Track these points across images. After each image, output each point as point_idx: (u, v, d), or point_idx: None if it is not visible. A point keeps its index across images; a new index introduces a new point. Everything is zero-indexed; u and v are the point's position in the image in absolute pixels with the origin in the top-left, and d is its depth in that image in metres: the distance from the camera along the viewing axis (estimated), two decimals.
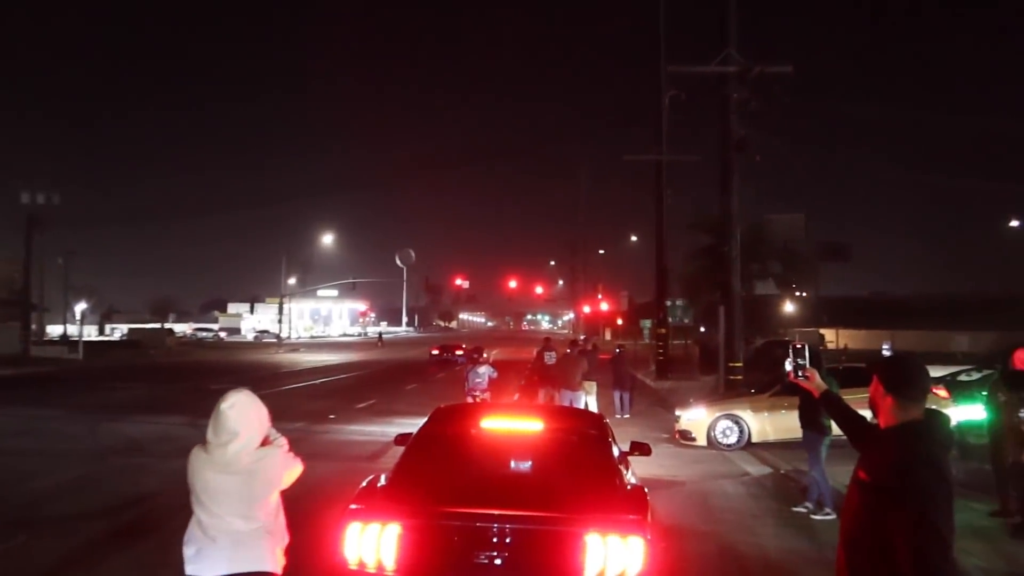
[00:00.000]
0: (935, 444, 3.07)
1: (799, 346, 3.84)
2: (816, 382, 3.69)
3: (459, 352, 38.65)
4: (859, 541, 3.12)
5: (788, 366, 3.78)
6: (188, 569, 3.57)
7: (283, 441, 3.86)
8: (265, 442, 3.74)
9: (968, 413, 10.71)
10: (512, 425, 5.63)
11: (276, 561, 3.69)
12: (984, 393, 8.89)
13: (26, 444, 13.12)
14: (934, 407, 3.57)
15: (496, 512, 4.30)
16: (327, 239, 78.61)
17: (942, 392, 13.07)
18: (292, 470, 3.80)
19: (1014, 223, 50.18)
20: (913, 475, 2.93)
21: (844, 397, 3.71)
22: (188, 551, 3.58)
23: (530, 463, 5.20)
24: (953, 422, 11.15)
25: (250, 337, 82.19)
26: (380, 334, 77.65)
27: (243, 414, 3.60)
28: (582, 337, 19.88)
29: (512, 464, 5.19)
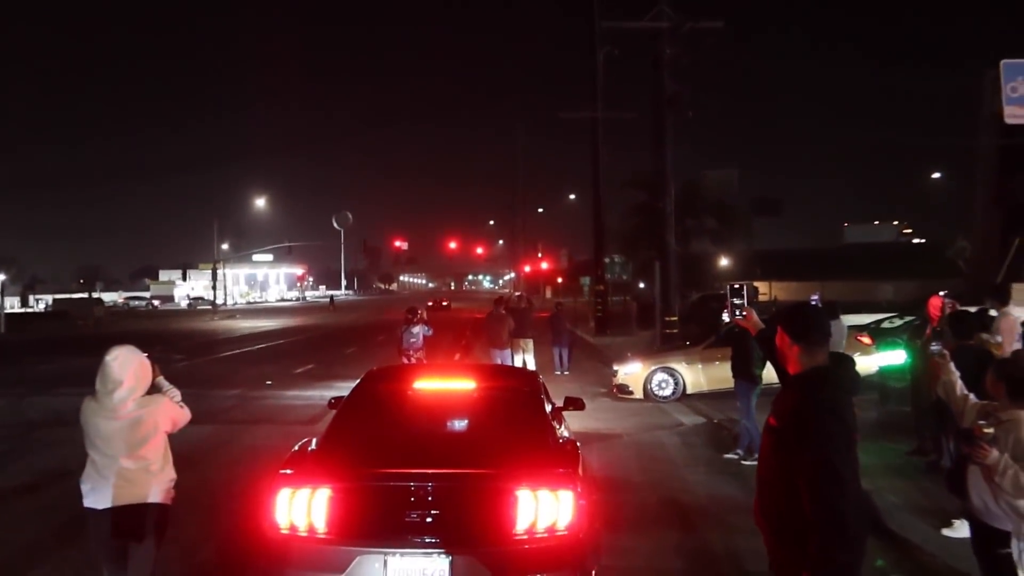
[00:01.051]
0: (838, 389, 3.17)
1: (737, 286, 3.90)
2: (754, 320, 3.76)
3: (444, 303, 55.57)
4: (770, 483, 3.22)
5: (726, 316, 3.85)
6: (85, 502, 4.12)
7: (175, 393, 4.42)
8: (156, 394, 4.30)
9: (890, 358, 11.15)
10: (444, 385, 5.62)
11: (163, 494, 4.22)
12: (904, 339, 9.27)
13: None
14: (842, 352, 3.69)
15: (426, 471, 4.30)
16: (260, 203, 76.55)
17: (866, 339, 13.59)
18: (177, 417, 4.33)
19: (936, 175, 52.06)
20: (813, 420, 3.03)
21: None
22: (85, 487, 4.13)
23: (462, 422, 5.21)
24: (875, 367, 11.67)
25: (184, 305, 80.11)
26: (332, 297, 78.53)
27: (125, 366, 4.09)
28: (517, 294, 19.94)
29: (444, 424, 5.19)
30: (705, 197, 38.96)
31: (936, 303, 7.56)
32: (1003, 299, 8.10)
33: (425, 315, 14.06)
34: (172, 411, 4.30)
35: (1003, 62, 5.63)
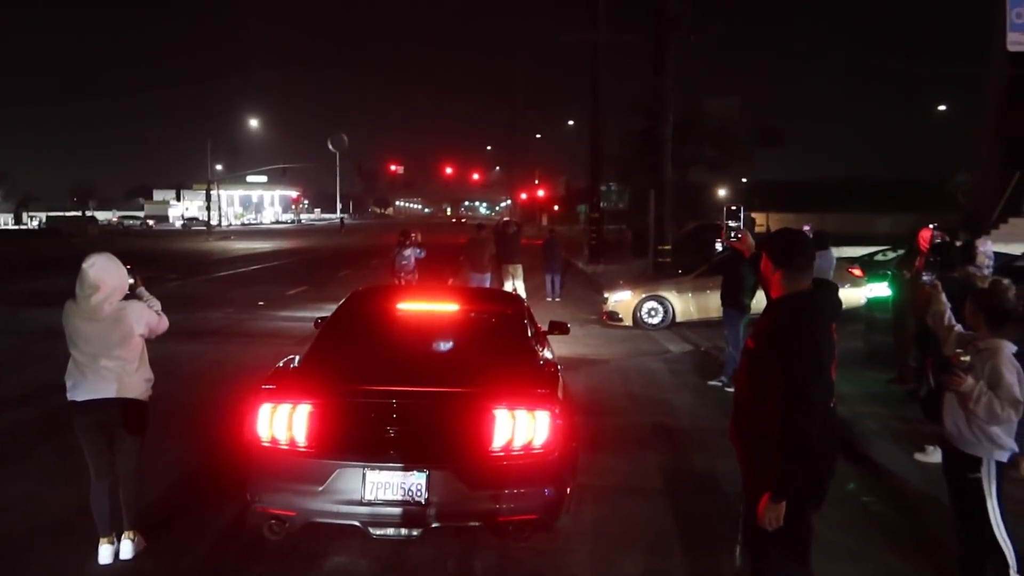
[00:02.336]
0: (817, 313, 3.19)
1: (734, 208, 3.87)
2: (748, 242, 3.74)
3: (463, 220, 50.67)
4: (744, 403, 3.27)
5: (719, 246, 3.86)
6: (68, 396, 4.43)
7: (155, 303, 4.66)
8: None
9: (879, 290, 11.19)
10: (427, 307, 5.64)
11: (138, 391, 4.50)
12: (891, 270, 9.28)
13: None
14: (826, 279, 3.69)
15: (405, 389, 4.36)
16: (254, 123, 75.39)
17: (857, 271, 13.62)
18: (153, 323, 4.55)
19: (942, 107, 51.28)
20: (787, 342, 3.05)
21: None
22: (68, 383, 4.43)
23: (443, 343, 5.25)
24: (863, 299, 11.72)
25: (178, 225, 79.72)
26: (342, 219, 78.21)
27: (102, 272, 4.32)
28: (505, 219, 19.87)
29: (425, 344, 5.22)
30: (705, 125, 38.44)
31: (926, 235, 7.53)
32: (974, 231, 8.11)
33: (419, 238, 14.01)
34: (147, 316, 4.53)
35: None
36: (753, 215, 40.36)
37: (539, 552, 4.63)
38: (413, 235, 13.62)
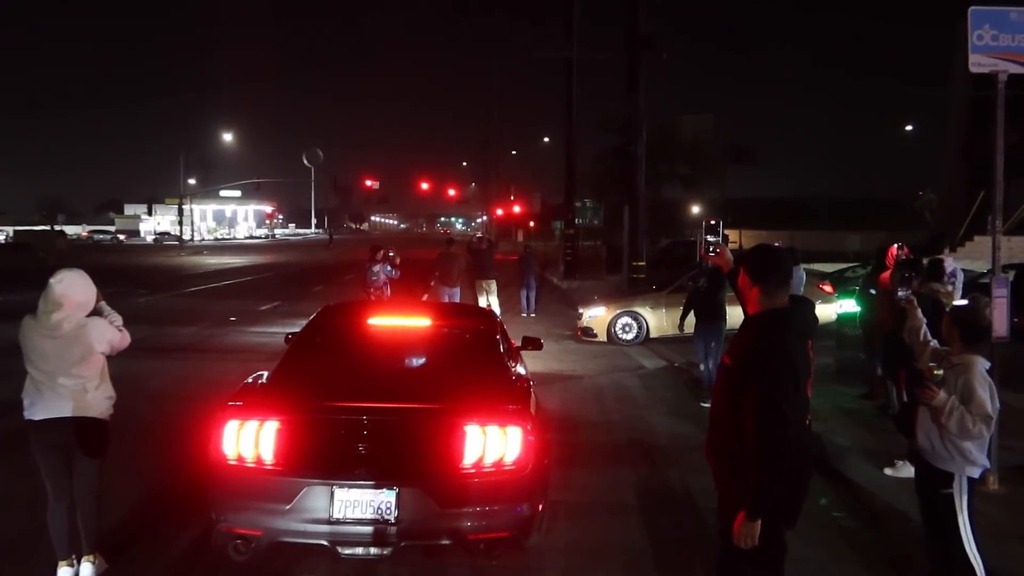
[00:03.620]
0: (792, 330, 3.19)
1: (712, 222, 3.88)
2: (727, 257, 3.75)
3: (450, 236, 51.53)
4: (719, 420, 3.26)
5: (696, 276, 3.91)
6: (25, 414, 4.31)
7: (116, 318, 4.52)
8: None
9: (849, 306, 11.33)
10: (398, 322, 5.59)
11: (98, 409, 4.36)
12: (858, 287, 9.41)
13: None
14: (802, 295, 3.72)
15: (374, 405, 4.30)
16: (228, 137, 74.72)
17: (827, 288, 13.77)
18: (114, 340, 4.42)
19: (909, 127, 52.31)
20: (763, 359, 3.04)
21: None
22: (25, 402, 4.32)
23: (414, 359, 5.20)
24: (834, 315, 11.84)
25: (150, 240, 78.67)
26: (331, 234, 78.35)
27: (68, 288, 4.21)
28: (478, 235, 19.89)
29: (396, 360, 5.17)
30: (679, 143, 38.81)
31: (893, 252, 7.64)
32: (937, 248, 8.27)
33: (397, 259, 13.86)
34: (108, 333, 4.40)
35: (971, 9, 5.59)
36: (727, 231, 40.79)
37: (511, 570, 4.58)
38: (382, 251, 13.56)
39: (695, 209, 45.53)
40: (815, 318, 3.46)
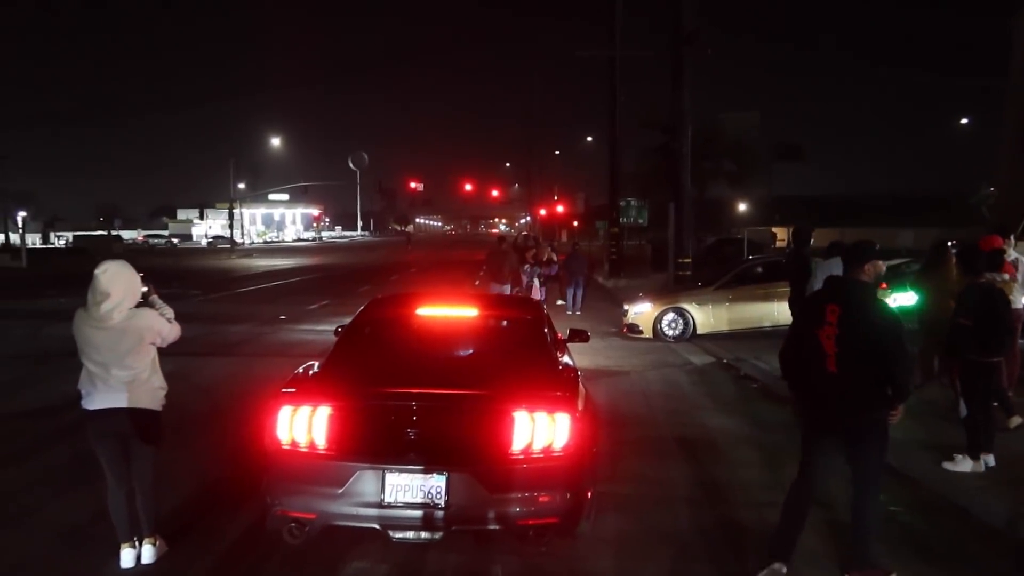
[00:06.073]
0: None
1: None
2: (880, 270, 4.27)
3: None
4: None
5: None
6: (83, 404, 4.43)
7: (167, 311, 4.63)
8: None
9: (902, 300, 11.07)
10: (446, 312, 5.64)
11: (151, 400, 4.48)
12: (912, 280, 9.20)
13: None
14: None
15: (424, 391, 4.34)
16: (276, 141, 76.07)
17: (882, 284, 13.48)
18: (164, 331, 4.52)
19: (964, 120, 50.81)
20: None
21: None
22: (83, 392, 4.44)
23: (462, 347, 5.24)
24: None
25: (204, 243, 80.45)
26: (409, 234, 78.79)
27: (113, 279, 4.30)
28: (524, 233, 19.96)
29: (444, 348, 5.22)
30: (724, 139, 38.32)
31: (992, 241, 7.45)
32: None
33: (540, 251, 12.84)
34: (159, 324, 4.50)
35: None
36: (774, 230, 40.13)
37: (560, 559, 4.57)
38: (532, 251, 12.78)
39: (741, 207, 44.91)
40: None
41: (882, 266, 4.35)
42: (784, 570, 4.25)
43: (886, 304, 4.31)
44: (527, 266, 12.17)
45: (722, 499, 5.83)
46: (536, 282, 11.86)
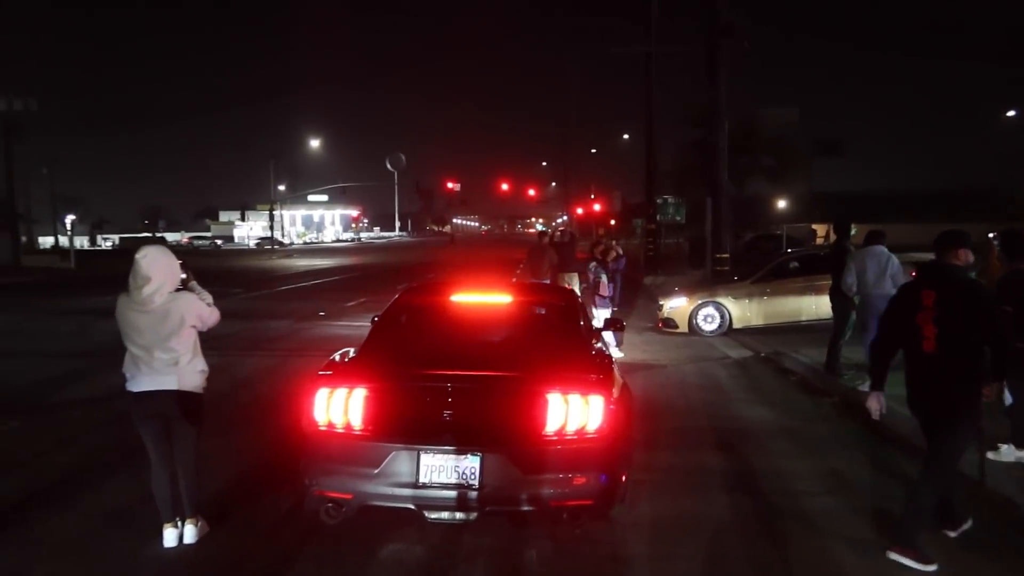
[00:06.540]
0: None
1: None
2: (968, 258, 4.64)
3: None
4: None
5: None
6: (127, 387, 4.56)
7: (207, 296, 4.74)
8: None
9: None
10: (480, 298, 5.68)
11: (193, 383, 4.59)
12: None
13: (18, 344, 13.31)
14: None
15: (459, 373, 4.39)
16: (315, 143, 77.05)
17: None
18: (204, 314, 4.63)
19: (1011, 113, 49.45)
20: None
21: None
22: (127, 375, 4.56)
23: (496, 332, 5.28)
24: None
25: (252, 244, 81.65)
26: (453, 235, 79.49)
27: (153, 263, 4.42)
28: (561, 229, 19.90)
29: (478, 333, 5.26)
30: (762, 135, 37.82)
31: None
32: None
33: (608, 248, 12.52)
34: (198, 308, 4.61)
35: None
36: (814, 226, 39.51)
37: (595, 543, 4.58)
38: (601, 247, 12.15)
39: (781, 203, 44.28)
40: None
41: (971, 255, 4.66)
42: (953, 534, 4.71)
43: (980, 285, 4.60)
44: (593, 264, 11.99)
45: (758, 487, 5.77)
46: (603, 278, 11.67)
